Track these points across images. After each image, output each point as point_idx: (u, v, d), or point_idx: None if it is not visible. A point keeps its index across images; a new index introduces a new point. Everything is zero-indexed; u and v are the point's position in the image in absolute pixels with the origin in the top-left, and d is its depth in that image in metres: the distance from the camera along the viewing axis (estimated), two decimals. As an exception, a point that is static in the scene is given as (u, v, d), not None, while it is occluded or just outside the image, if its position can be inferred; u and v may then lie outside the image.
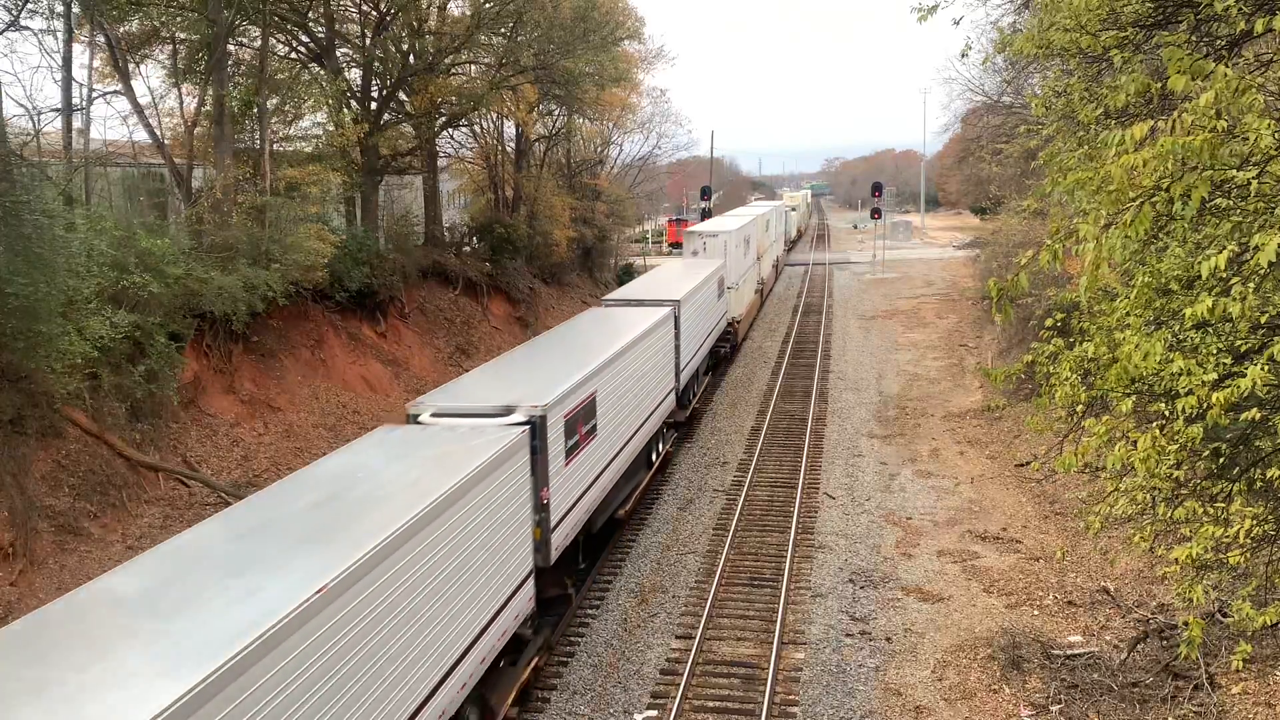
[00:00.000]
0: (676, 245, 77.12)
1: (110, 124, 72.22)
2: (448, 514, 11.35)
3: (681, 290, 28.23)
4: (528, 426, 14.50)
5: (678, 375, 26.48)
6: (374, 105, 36.81)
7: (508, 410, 15.07)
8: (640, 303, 26.78)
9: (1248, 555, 9.93)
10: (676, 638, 16.89)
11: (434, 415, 15.14)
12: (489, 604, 12.69)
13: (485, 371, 19.18)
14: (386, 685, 9.89)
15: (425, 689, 10.82)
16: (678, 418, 26.79)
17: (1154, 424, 9.26)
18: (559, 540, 15.75)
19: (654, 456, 23.97)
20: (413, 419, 15.15)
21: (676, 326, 26.25)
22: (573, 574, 18.01)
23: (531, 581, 14.40)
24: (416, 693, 10.59)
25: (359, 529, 10.13)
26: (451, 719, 11.52)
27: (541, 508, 14.98)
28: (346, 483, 11.68)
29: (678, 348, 26.41)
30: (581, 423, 17.15)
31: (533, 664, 14.60)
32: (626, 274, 59.02)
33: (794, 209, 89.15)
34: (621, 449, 20.04)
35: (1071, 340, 10.91)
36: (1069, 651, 15.58)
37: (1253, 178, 7.62)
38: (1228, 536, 9.33)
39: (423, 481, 11.69)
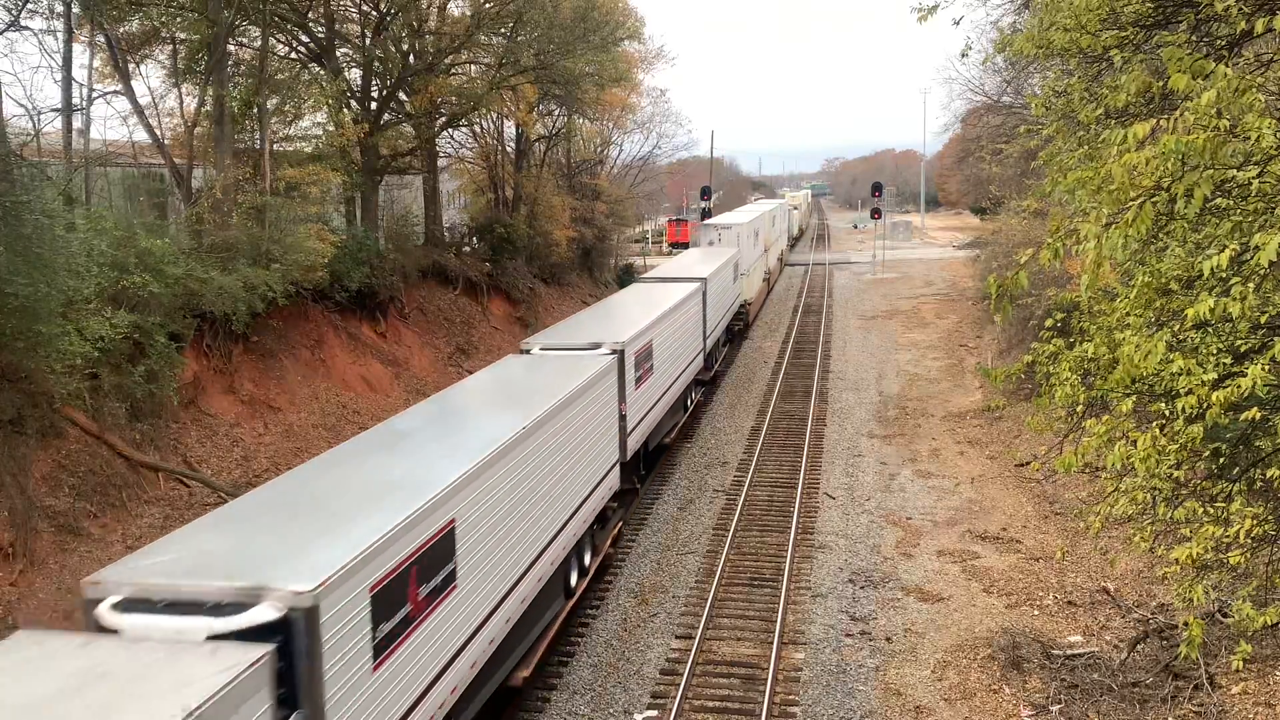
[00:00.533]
0: (676, 245, 77.11)
1: (110, 124, 72.25)
2: (579, 400, 16.98)
3: (706, 270, 33.54)
4: (616, 355, 20.46)
5: (704, 340, 31.94)
6: (374, 105, 36.81)
7: (597, 345, 20.96)
8: (673, 280, 32.35)
9: (1248, 555, 9.93)
10: (676, 638, 16.89)
11: (542, 349, 20.77)
12: (597, 473, 18.29)
13: (568, 324, 25.00)
14: (551, 504, 15.29)
15: (565, 516, 16.12)
16: (704, 376, 32.93)
17: (1154, 424, 9.26)
18: (633, 443, 21.48)
19: (689, 403, 30.17)
20: (524, 352, 20.88)
21: (704, 299, 31.47)
22: (638, 475, 23.65)
23: (618, 469, 20.02)
24: (564, 514, 16.09)
25: (530, 404, 15.38)
26: (578, 540, 17.05)
27: (622, 417, 20.55)
28: (505, 382, 18.20)
29: (705, 317, 31.75)
30: (645, 360, 23.01)
31: (618, 527, 20.26)
32: (626, 274, 59.08)
33: (796, 208, 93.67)
34: (669, 387, 25.88)
35: (1071, 340, 10.92)
36: (1069, 651, 15.58)
37: (1253, 177, 7.63)
38: (1228, 536, 9.32)
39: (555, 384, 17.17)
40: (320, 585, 8.68)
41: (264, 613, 8.50)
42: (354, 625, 9.32)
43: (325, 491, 11.33)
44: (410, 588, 10.53)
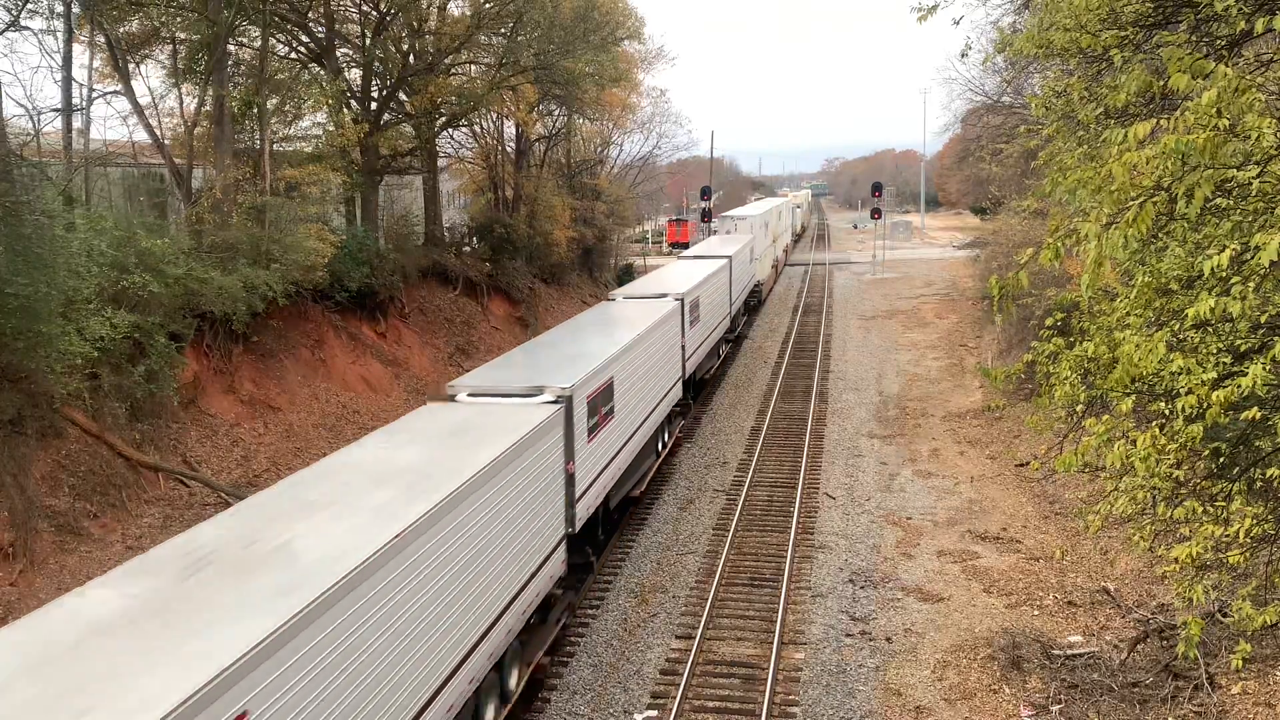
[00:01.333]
0: (676, 245, 77.14)
1: (110, 124, 72.35)
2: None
3: (731, 250, 40.89)
4: (678, 302, 26.23)
5: (730, 306, 39.06)
6: (374, 105, 36.82)
7: (664, 295, 26.81)
8: (705, 257, 39.12)
9: (1247, 555, 9.92)
10: (677, 638, 16.88)
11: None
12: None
13: (650, 280, 32.37)
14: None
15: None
16: (728, 336, 39.51)
17: (1154, 423, 9.26)
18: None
19: (717, 358, 35.63)
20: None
21: (730, 273, 38.63)
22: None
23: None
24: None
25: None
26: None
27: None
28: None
29: (731, 286, 38.90)
30: (694, 309, 29.31)
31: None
32: (627, 274, 59.14)
33: (799, 206, 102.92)
34: (706, 338, 32.05)
35: (1071, 340, 10.91)
36: (1069, 651, 15.58)
37: (1253, 177, 7.63)
38: (1227, 536, 9.32)
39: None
40: (573, 385, 16.81)
41: (548, 396, 16.45)
42: (581, 412, 17.19)
43: (566, 340, 21.99)
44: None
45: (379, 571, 9.58)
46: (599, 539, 19.82)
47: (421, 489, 11.31)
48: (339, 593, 8.86)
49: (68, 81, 24.66)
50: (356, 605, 9.17)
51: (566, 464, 16.35)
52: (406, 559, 10.16)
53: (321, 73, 34.01)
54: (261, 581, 8.78)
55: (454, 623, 11.41)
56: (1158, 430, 8.84)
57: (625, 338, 21.64)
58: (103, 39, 26.50)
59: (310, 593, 8.53)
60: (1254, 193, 8.04)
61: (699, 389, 32.53)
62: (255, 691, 7.63)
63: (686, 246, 65.28)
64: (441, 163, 45.79)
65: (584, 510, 17.35)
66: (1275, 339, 8.21)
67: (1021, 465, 24.44)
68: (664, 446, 25.47)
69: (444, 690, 11.15)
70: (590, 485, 17.82)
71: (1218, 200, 8.31)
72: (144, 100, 28.19)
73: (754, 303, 49.83)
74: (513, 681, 13.91)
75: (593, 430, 18.01)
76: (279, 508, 10.79)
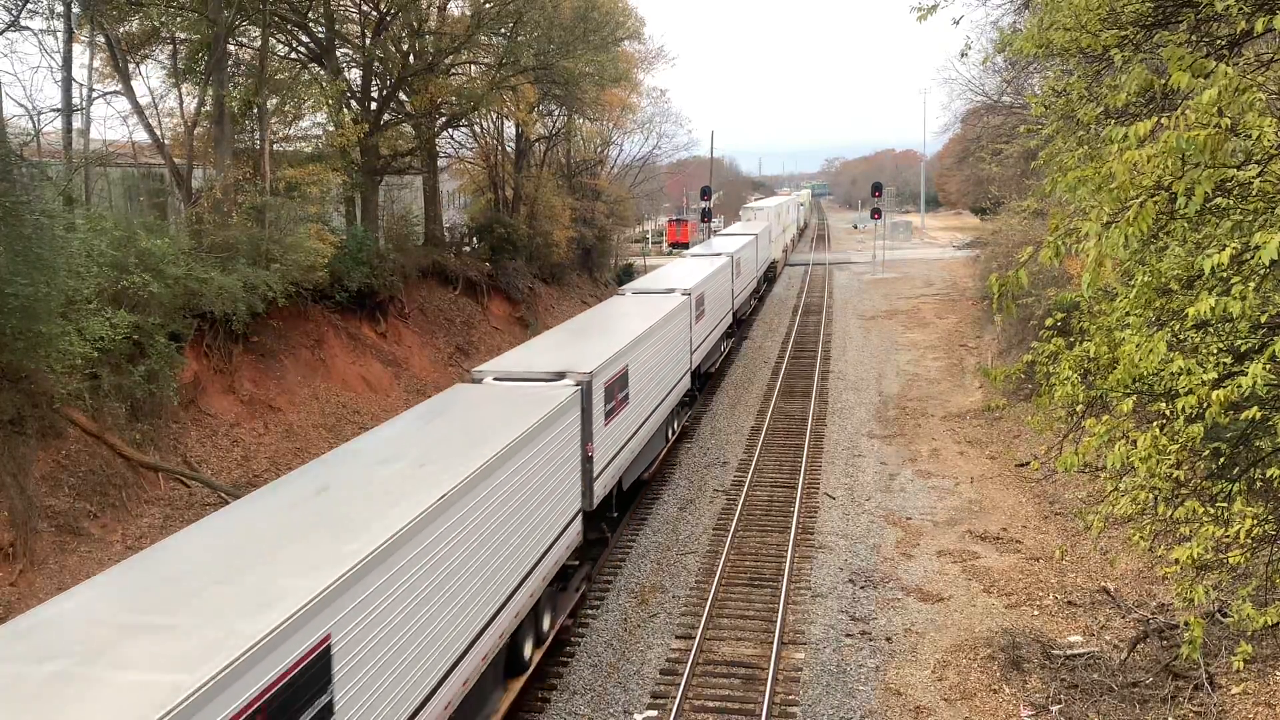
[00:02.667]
0: (676, 245, 77.15)
1: (110, 124, 72.26)
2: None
3: (757, 230, 54.64)
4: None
5: (756, 272, 50.44)
6: (374, 105, 36.81)
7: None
8: (738, 235, 51.35)
9: (1248, 555, 9.92)
10: (676, 638, 16.88)
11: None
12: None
13: (676, 267, 37.01)
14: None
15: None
16: (750, 305, 48.39)
17: (1154, 423, 9.26)
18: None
19: (736, 324, 42.13)
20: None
21: (756, 246, 49.79)
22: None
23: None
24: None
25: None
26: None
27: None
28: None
29: (757, 257, 50.66)
30: (707, 296, 31.91)
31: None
32: (627, 274, 59.15)
33: (802, 204, 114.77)
34: (725, 311, 36.79)
35: (1071, 340, 10.91)
36: (1069, 651, 15.57)
37: (1254, 176, 7.62)
38: (1228, 536, 9.32)
39: None
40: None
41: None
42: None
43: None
44: (704, 296, 30.57)
45: (450, 508, 11.40)
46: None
47: (465, 455, 12.71)
48: (429, 517, 10.83)
49: (68, 81, 24.66)
50: (439, 531, 11.10)
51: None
52: (459, 510, 11.67)
53: (321, 73, 33.99)
54: (383, 501, 10.99)
55: (500, 564, 13.12)
56: (1158, 430, 8.84)
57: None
58: (103, 39, 26.50)
59: (414, 509, 10.67)
60: (1254, 192, 8.04)
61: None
62: (400, 564, 10.15)
63: (687, 246, 66.19)
64: (441, 163, 45.79)
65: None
66: (1275, 338, 8.20)
67: (1022, 465, 24.44)
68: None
69: (498, 616, 13.01)
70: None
71: (1218, 199, 8.30)
72: (144, 100, 28.22)
73: (771, 275, 62.61)
74: (545, 624, 15.55)
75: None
76: (358, 461, 12.78)
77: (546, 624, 15.57)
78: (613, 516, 20.67)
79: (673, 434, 26.89)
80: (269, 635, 7.78)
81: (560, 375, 17.60)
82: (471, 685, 12.13)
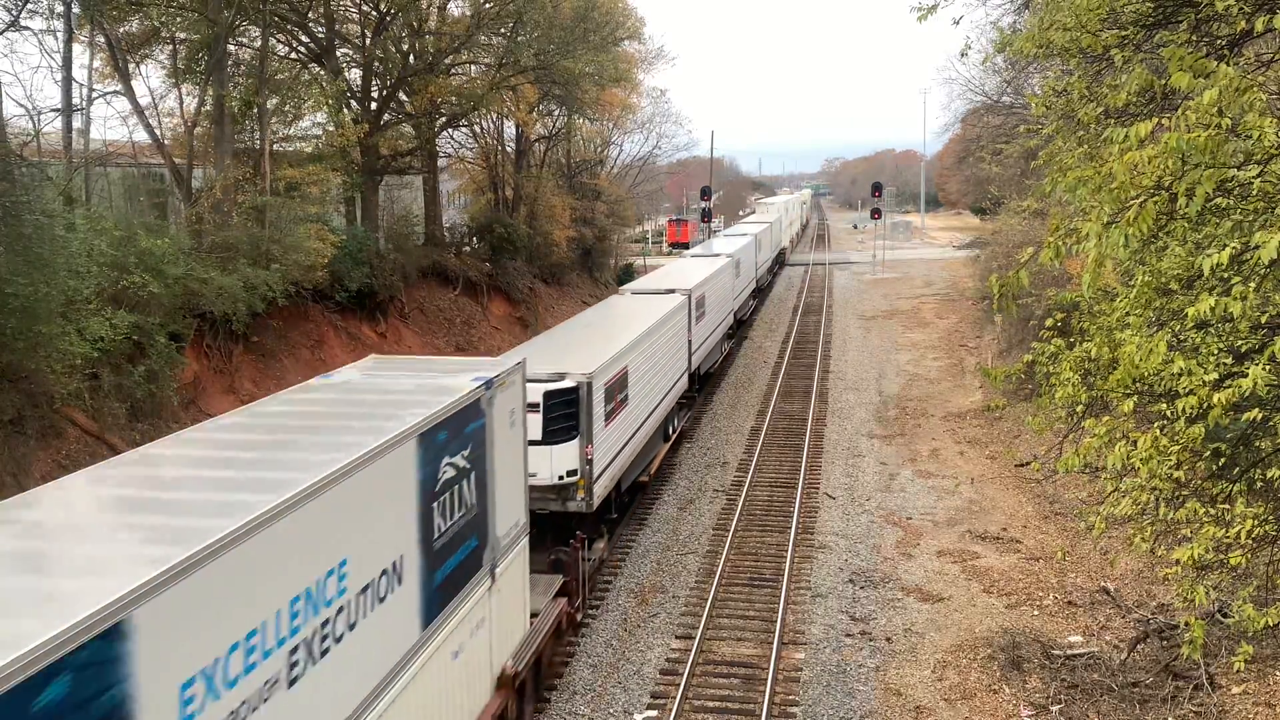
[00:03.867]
0: (676, 245, 77.20)
1: (110, 124, 72.29)
2: None
3: (772, 218, 66.87)
4: (729, 258, 36.16)
5: (773, 250, 61.76)
6: (374, 105, 36.80)
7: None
8: (753, 223, 62.44)
9: (1248, 556, 9.91)
10: (676, 638, 16.87)
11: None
12: None
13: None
14: None
15: None
16: (762, 283, 55.49)
17: (1155, 424, 9.26)
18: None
19: (755, 296, 50.45)
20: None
21: (772, 232, 60.76)
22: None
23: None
24: None
25: None
26: None
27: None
28: None
29: (774, 241, 61.95)
30: (732, 271, 38.18)
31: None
32: (627, 274, 59.14)
33: (804, 202, 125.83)
34: (746, 287, 41.93)
35: (1072, 340, 10.90)
36: (1069, 651, 15.57)
37: (1254, 177, 7.62)
38: (1228, 537, 9.31)
39: None
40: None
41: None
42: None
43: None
44: (729, 270, 37.64)
45: None
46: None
47: None
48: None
49: (68, 81, 24.64)
50: None
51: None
52: None
53: (321, 73, 33.98)
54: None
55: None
56: (1158, 431, 8.83)
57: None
58: (103, 39, 26.48)
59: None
60: (1255, 192, 8.04)
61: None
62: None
63: (687, 246, 66.38)
64: (441, 163, 45.78)
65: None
66: (1276, 339, 8.20)
67: (1021, 465, 24.43)
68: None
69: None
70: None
71: (1218, 199, 8.30)
72: (144, 100, 28.21)
73: (781, 259, 72.25)
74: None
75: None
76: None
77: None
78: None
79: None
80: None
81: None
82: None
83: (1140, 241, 7.36)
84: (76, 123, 25.39)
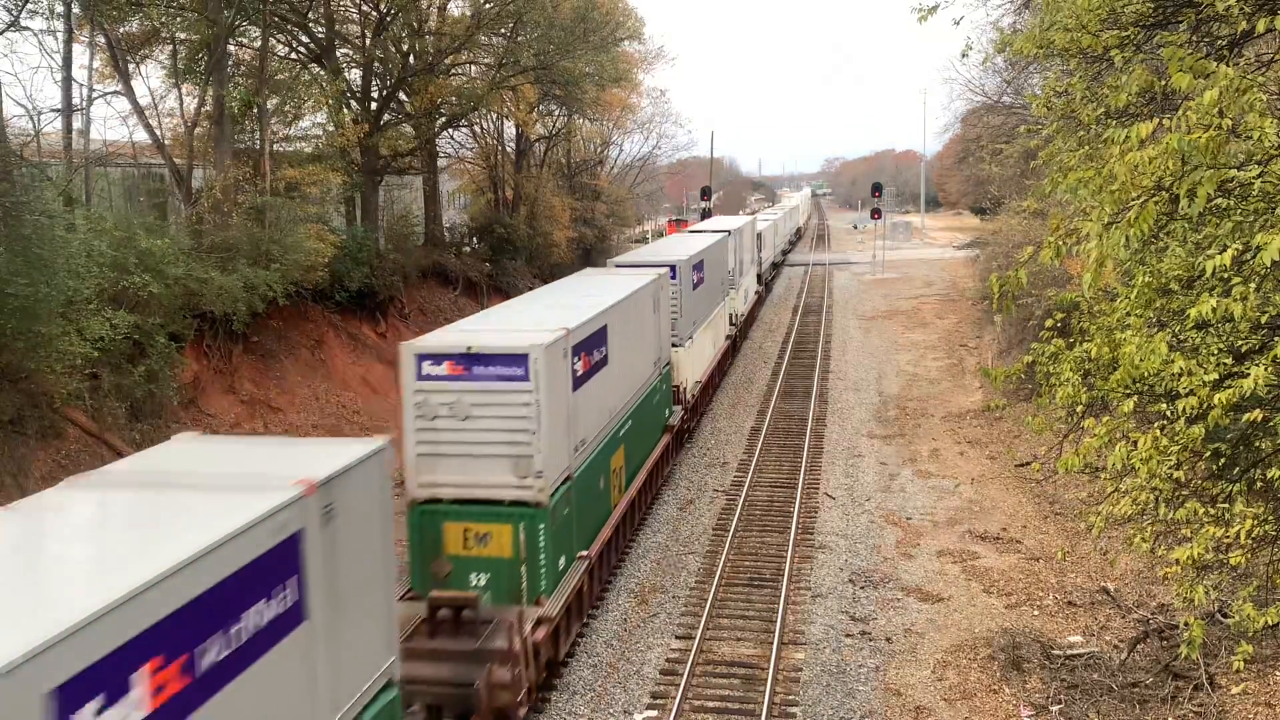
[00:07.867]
0: None
1: (110, 124, 72.26)
2: None
3: (791, 205, 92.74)
4: (730, 234, 34.98)
5: (786, 231, 73.81)
6: (374, 105, 36.81)
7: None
8: (777, 209, 79.29)
9: (1248, 556, 9.92)
10: (676, 638, 16.87)
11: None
12: None
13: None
14: None
15: None
16: (778, 260, 63.78)
17: (1155, 424, 9.26)
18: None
19: (763, 277, 51.53)
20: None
21: (786, 216, 75.75)
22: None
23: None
24: None
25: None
26: None
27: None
28: None
29: (791, 221, 78.78)
30: (756, 243, 42.74)
31: None
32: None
33: (805, 201, 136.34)
34: (761, 267, 46.27)
35: (1072, 340, 10.91)
36: (1069, 651, 15.57)
37: (1254, 177, 7.62)
38: (1228, 537, 9.32)
39: None
40: (745, 227, 36.08)
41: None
42: (755, 236, 37.95)
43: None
44: (750, 244, 43.26)
45: None
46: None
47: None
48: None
49: (68, 81, 24.64)
50: None
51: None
52: None
53: (321, 73, 33.99)
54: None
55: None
56: (1159, 431, 8.84)
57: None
58: (103, 39, 26.49)
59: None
60: (1255, 193, 8.04)
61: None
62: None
63: None
64: (441, 163, 45.80)
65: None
66: (1276, 339, 8.21)
67: (1022, 465, 24.42)
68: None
69: None
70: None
71: (1219, 200, 8.30)
72: (144, 100, 28.22)
73: (795, 239, 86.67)
74: None
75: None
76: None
77: None
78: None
79: (767, 279, 43.81)
80: None
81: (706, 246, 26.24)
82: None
83: (1141, 242, 7.36)
84: (76, 123, 25.41)
